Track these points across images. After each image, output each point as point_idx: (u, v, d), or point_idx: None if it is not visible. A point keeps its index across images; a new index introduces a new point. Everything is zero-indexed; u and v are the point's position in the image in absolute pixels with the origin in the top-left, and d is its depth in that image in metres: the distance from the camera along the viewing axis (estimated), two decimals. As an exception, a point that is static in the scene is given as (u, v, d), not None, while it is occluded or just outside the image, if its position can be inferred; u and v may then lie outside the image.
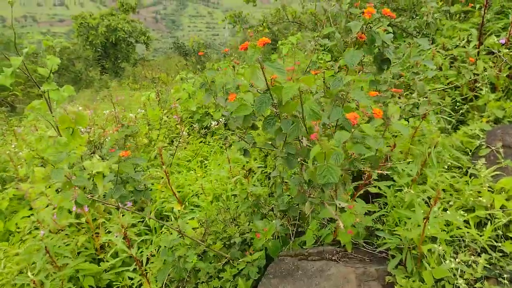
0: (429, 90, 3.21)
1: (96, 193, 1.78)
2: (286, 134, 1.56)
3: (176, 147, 4.48)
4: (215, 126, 5.04)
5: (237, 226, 2.70)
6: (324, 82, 1.65)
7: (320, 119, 1.44)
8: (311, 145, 1.67)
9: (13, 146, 3.78)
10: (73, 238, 2.84)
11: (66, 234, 2.84)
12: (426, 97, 2.45)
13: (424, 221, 1.75)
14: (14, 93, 12.76)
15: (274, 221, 2.22)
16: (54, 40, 2.94)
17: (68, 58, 23.13)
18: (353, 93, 1.48)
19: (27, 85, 18.09)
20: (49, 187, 3.37)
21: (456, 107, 3.93)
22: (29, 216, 3.44)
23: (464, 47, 4.28)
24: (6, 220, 3.50)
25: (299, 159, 1.77)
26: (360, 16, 1.71)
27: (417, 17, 4.99)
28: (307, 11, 7.48)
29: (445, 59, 4.27)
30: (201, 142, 5.61)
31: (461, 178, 2.47)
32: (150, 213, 2.15)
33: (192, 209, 3.60)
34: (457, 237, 2.03)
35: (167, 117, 6.10)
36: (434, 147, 2.23)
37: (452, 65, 4.26)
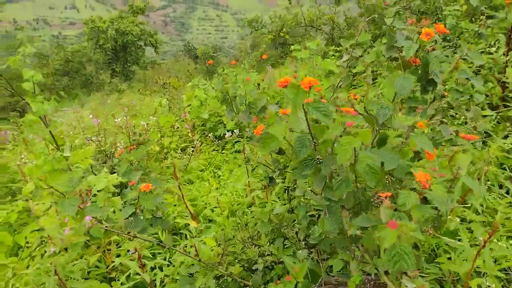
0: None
1: (110, 221, 1.63)
2: (326, 177, 1.36)
3: (190, 156, 4.33)
4: (229, 138, 4.88)
5: (257, 247, 2.54)
6: (368, 113, 1.43)
7: (381, 179, 1.23)
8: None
9: (22, 156, 3.67)
10: (84, 256, 2.70)
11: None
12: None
13: (475, 255, 1.56)
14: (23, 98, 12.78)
15: (300, 251, 2.04)
16: (34, 44, 2.82)
17: (79, 61, 23.28)
18: (416, 138, 1.25)
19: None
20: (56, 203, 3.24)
21: (484, 117, 3.72)
22: (38, 230, 3.32)
23: (491, 53, 4.06)
24: (15, 233, 3.38)
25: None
26: (406, 30, 1.52)
27: (439, 21, 4.80)
28: (323, 15, 7.31)
29: (470, 67, 4.06)
30: (213, 150, 5.46)
31: (502, 199, 2.27)
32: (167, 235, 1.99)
33: (206, 224, 3.44)
34: (505, 269, 1.84)
35: (179, 124, 5.97)
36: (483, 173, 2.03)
37: (478, 73, 4.05)
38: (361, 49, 1.96)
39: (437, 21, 4.87)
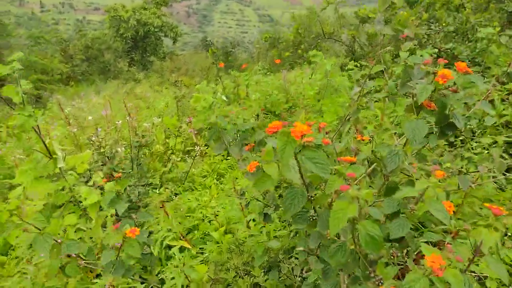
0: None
1: (91, 256, 1.48)
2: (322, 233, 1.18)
3: (191, 163, 4.18)
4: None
5: (250, 278, 2.37)
6: (378, 157, 1.25)
7: (382, 249, 1.06)
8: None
9: (19, 151, 3.58)
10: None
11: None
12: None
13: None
14: (38, 85, 12.88)
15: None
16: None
17: (98, 48, 23.44)
18: (430, 205, 1.06)
19: (54, 77, 18.39)
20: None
21: (510, 150, 3.45)
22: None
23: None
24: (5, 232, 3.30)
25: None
26: (422, 68, 1.31)
27: (470, 43, 4.49)
28: (342, 25, 7.06)
29: (500, 92, 3.78)
30: (219, 154, 5.31)
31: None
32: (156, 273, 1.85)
33: (202, 238, 3.29)
34: None
35: (187, 124, 5.84)
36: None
37: (507, 99, 3.77)
38: (376, 81, 1.76)
39: (467, 41, 4.56)
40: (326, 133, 1.63)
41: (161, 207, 2.62)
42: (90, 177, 3.36)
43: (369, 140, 1.57)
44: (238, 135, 1.92)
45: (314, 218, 1.19)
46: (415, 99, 1.31)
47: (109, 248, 1.49)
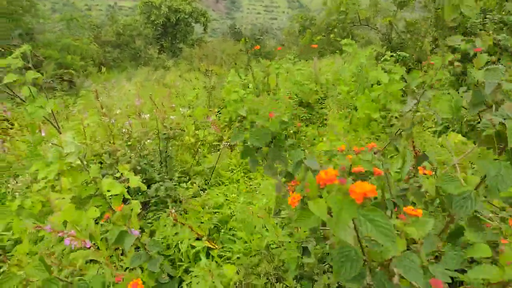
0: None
1: None
2: None
3: (217, 158, 4.10)
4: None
5: (282, 285, 2.25)
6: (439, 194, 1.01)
7: None
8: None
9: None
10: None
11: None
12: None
13: None
14: (70, 71, 13.15)
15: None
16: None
17: (130, 35, 23.77)
18: None
19: (87, 62, 18.75)
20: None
21: None
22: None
23: None
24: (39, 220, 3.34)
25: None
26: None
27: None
28: (378, 11, 6.65)
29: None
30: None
31: None
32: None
33: (230, 238, 3.20)
34: None
35: (215, 115, 5.75)
36: None
37: None
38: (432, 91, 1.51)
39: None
40: (375, 153, 1.45)
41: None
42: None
43: (432, 171, 1.31)
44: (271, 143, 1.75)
45: (370, 285, 1.00)
46: (494, 129, 1.05)
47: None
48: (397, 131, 1.54)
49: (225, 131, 4.86)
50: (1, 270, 2.65)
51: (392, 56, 4.64)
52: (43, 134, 2.61)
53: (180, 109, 5.18)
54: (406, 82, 5.08)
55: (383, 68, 4.45)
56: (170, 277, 1.88)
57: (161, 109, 4.18)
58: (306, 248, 1.65)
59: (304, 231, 2.27)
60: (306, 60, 11.87)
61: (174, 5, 23.06)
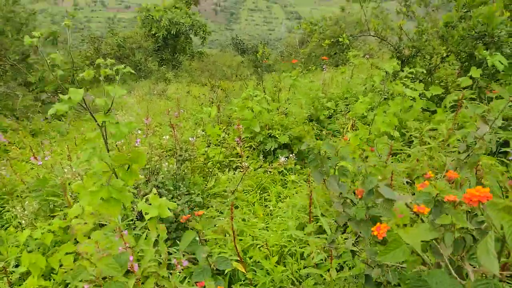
0: None
1: None
2: None
3: (240, 180, 3.93)
4: (284, 163, 4.40)
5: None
6: None
7: None
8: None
9: (65, 170, 3.44)
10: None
11: None
12: None
13: None
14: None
15: None
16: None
17: (130, 48, 23.76)
18: None
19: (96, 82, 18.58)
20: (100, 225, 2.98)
21: None
22: (73, 253, 3.07)
23: None
24: (48, 253, 3.16)
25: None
26: None
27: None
28: (388, 23, 6.55)
29: None
30: (260, 167, 5.02)
31: None
32: None
33: (254, 270, 3.02)
34: None
35: (227, 134, 5.60)
36: None
37: None
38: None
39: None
40: (450, 182, 1.30)
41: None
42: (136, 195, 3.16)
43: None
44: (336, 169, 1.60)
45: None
46: None
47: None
48: (465, 157, 1.40)
49: (243, 151, 4.67)
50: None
51: (411, 73, 4.52)
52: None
53: (198, 131, 5.02)
54: (425, 98, 4.95)
55: (403, 83, 4.33)
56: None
57: (177, 129, 4.05)
58: (368, 277, 1.43)
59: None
60: (307, 70, 11.78)
61: (175, 18, 23.13)
